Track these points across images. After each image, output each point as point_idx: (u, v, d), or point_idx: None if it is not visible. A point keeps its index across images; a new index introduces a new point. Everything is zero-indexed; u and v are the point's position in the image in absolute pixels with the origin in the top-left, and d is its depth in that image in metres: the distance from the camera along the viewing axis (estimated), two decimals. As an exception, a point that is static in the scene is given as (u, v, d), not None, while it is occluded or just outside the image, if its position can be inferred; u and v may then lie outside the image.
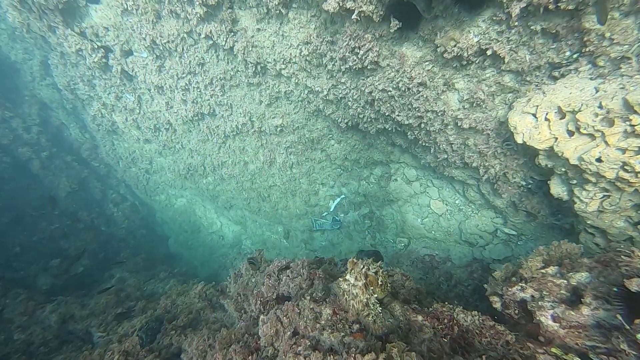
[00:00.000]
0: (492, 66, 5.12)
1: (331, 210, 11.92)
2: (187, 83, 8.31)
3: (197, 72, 7.97)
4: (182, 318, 5.80)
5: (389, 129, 7.43)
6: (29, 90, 11.17)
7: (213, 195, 12.87)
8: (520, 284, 3.63)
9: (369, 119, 7.53)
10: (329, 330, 3.29)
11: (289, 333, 3.51)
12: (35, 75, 10.96)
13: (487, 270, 7.38)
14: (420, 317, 3.56)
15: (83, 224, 11.40)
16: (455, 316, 3.54)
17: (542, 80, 4.70)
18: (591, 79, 4.15)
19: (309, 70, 7.33)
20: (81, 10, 7.67)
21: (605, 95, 3.78)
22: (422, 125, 6.51)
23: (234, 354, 3.75)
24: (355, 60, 6.08)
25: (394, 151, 9.11)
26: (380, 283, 3.52)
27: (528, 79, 4.83)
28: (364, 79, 6.61)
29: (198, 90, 8.60)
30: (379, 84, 6.34)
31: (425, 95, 6.05)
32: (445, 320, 3.52)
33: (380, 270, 3.57)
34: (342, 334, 3.24)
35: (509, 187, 6.01)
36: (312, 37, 6.46)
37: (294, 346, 3.33)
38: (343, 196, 11.59)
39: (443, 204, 8.57)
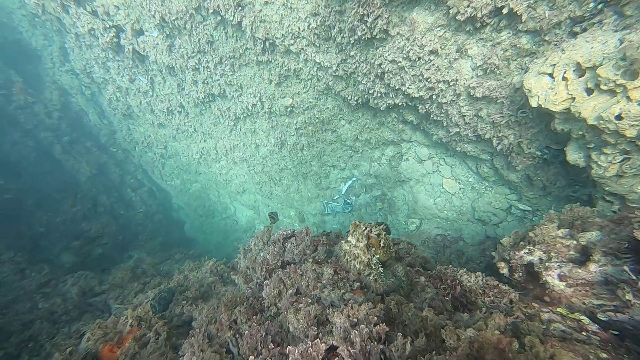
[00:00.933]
0: (508, 27, 4.87)
1: (342, 193, 11.86)
2: (197, 62, 8.36)
3: (206, 50, 8.01)
4: (193, 290, 5.94)
5: (400, 103, 7.25)
6: (49, 77, 11.57)
7: (226, 180, 13.05)
8: (528, 247, 3.48)
9: (379, 94, 7.38)
10: (330, 288, 3.27)
11: (291, 291, 3.52)
12: (55, 62, 11.33)
13: (502, 248, 7.17)
14: (423, 278, 3.49)
15: (103, 207, 11.84)
16: (458, 277, 3.45)
17: (562, 38, 4.42)
18: (615, 30, 3.87)
19: (318, 45, 7.22)
20: (93, -10, 7.82)
21: (629, 45, 3.51)
22: (434, 97, 6.31)
23: (239, 314, 3.80)
24: (364, 29, 5.92)
25: (405, 129, 8.91)
26: (382, 245, 3.47)
27: (547, 38, 4.56)
28: (373, 51, 6.44)
29: (208, 70, 8.65)
30: (388, 55, 6.17)
31: (436, 65, 5.84)
32: (448, 281, 3.44)
33: (383, 233, 3.51)
34: (343, 291, 3.21)
35: (524, 159, 5.75)
36: (320, 8, 6.33)
37: (295, 303, 3.33)
38: (355, 178, 11.49)
39: (456, 182, 8.35)
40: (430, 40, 5.55)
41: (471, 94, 5.73)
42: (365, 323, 2.60)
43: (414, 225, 9.48)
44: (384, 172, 10.28)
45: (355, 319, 2.69)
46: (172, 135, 12.05)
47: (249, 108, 9.83)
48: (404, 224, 9.82)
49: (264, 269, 4.75)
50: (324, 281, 3.42)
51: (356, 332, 2.46)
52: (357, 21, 5.84)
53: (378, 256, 3.42)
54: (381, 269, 3.38)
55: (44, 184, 10.48)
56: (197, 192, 14.20)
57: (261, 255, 6.89)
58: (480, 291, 3.32)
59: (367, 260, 3.36)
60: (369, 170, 10.77)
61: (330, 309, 2.97)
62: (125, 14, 7.61)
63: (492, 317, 2.67)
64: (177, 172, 13.68)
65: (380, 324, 2.54)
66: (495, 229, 7.43)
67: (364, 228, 3.44)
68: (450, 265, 3.60)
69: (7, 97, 10.42)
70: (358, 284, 3.30)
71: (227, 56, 8.21)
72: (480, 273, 3.32)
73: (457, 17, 4.89)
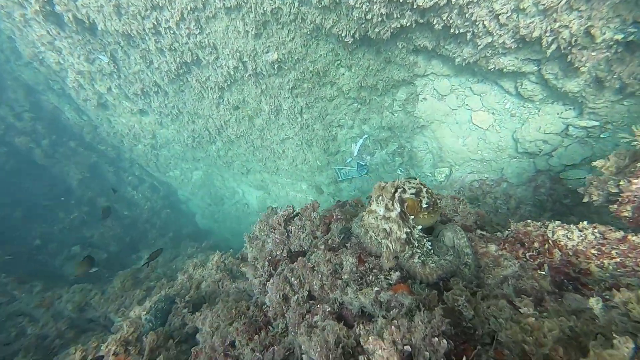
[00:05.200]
0: None
1: (355, 154, 10.53)
2: (155, 23, 6.92)
3: (160, 3, 6.52)
4: (196, 294, 4.98)
5: (407, 24, 5.67)
6: (8, 73, 10.34)
7: (227, 162, 11.93)
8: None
9: (379, 18, 5.79)
10: (355, 287, 2.09)
11: (299, 297, 2.37)
12: (8, 54, 10.03)
13: (558, 182, 5.80)
14: (493, 247, 2.25)
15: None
16: (550, 236, 2.17)
17: None
18: None
19: (292, -33, 5.62)
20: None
21: None
22: (453, 0, 4.71)
23: (237, 333, 2.73)
24: None
25: (417, 61, 7.32)
26: (424, 206, 2.21)
27: None
28: (363, -46, 4.82)
29: (171, 31, 7.21)
30: (384, -47, 4.55)
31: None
32: (536, 245, 2.17)
33: (424, 189, 2.24)
34: (376, 289, 2.03)
35: (593, 53, 4.19)
36: None
37: (307, 316, 2.19)
38: (366, 136, 10.10)
39: (488, 113, 6.84)
40: None
41: (507, -19, 4.11)
42: (427, 352, 1.41)
43: (443, 176, 8.15)
44: (398, 121, 8.82)
45: (406, 346, 1.50)
46: (157, 122, 10.84)
47: (231, 73, 8.42)
48: (431, 175, 8.50)
49: (266, 262, 3.64)
50: (346, 276, 2.25)
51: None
52: None
53: (421, 225, 2.18)
54: (428, 245, 2.14)
55: (30, 193, 9.66)
56: (200, 180, 13.21)
57: (268, 241, 5.86)
58: (595, 252, 2.05)
59: (405, 235, 2.13)
60: (380, 123, 9.32)
61: (362, 325, 1.80)
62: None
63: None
64: (174, 162, 12.62)
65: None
66: (547, 160, 6.01)
67: (393, 189, 2.18)
68: (529, 221, 2.31)
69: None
70: (397, 273, 2.10)
71: (188, 8, 6.71)
72: (587, 223, 2.03)
73: None
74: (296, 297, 2.46)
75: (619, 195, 2.31)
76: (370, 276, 2.18)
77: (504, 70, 5.49)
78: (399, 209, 2.17)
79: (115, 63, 8.33)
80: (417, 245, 2.11)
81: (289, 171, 11.60)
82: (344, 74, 8.81)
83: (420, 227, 2.17)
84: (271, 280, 2.94)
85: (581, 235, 1.96)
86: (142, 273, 7.12)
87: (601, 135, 5.25)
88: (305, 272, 2.63)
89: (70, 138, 11.37)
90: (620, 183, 2.28)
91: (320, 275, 2.44)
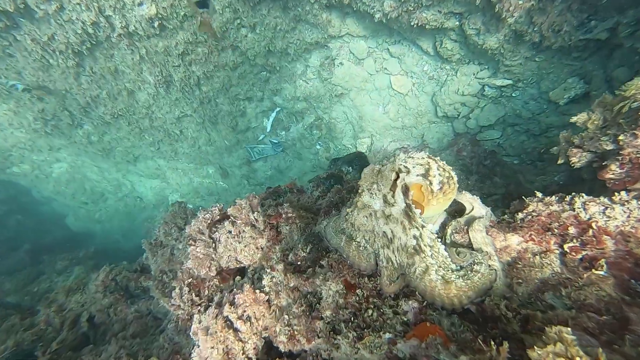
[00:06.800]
0: None
1: (268, 130, 9.45)
2: None
3: None
4: (65, 335, 3.44)
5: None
6: None
7: (103, 150, 9.36)
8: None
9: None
10: (351, 334, 1.22)
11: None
12: None
13: (476, 144, 5.93)
14: (514, 239, 1.62)
15: None
16: (584, 216, 1.61)
17: None
18: None
19: None
20: None
21: None
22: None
23: None
24: None
25: (331, 19, 6.51)
26: (436, 188, 1.43)
27: None
28: None
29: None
30: None
31: None
32: (572, 230, 1.57)
33: (434, 165, 1.45)
34: (387, 335, 1.20)
35: (520, 2, 4.00)
36: None
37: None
38: (278, 109, 9.06)
39: (407, 77, 6.59)
40: None
41: None
42: None
43: (365, 147, 7.80)
44: (314, 89, 8.01)
45: None
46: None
47: (89, 32, 6.18)
48: (352, 147, 8.07)
49: (185, 287, 2.46)
50: (328, 313, 1.35)
51: None
52: None
53: (432, 224, 1.41)
54: (444, 251, 1.38)
55: None
56: (65, 174, 10.17)
57: (179, 247, 4.53)
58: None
59: (413, 240, 1.32)
60: (294, 93, 8.36)
61: None
62: None
63: None
64: (19, 154, 9.28)
65: None
66: (466, 122, 6.08)
67: (393, 173, 1.33)
68: (549, 198, 1.74)
69: None
70: (414, 304, 1.32)
71: None
72: (625, 194, 1.55)
73: None
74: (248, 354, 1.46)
75: (618, 153, 1.97)
76: (370, 311, 1.35)
77: (427, 26, 5.10)
78: (403, 203, 1.34)
79: None
80: (430, 253, 1.34)
81: (190, 155, 9.81)
82: (247, 36, 7.45)
83: (431, 226, 1.41)
84: (200, 319, 1.86)
85: (625, 211, 1.49)
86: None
87: (513, 94, 5.45)
88: (258, 311, 1.63)
89: None
90: (620, 138, 1.93)
91: (284, 314, 1.49)
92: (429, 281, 1.32)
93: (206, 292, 2.53)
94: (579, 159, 2.27)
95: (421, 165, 1.42)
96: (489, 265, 1.45)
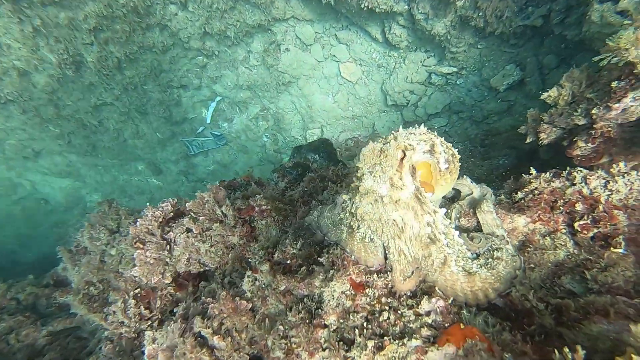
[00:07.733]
0: None
1: (208, 121, 8.61)
2: None
3: None
4: None
5: None
6: None
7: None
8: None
9: None
10: (369, 346, 0.90)
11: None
12: None
13: (425, 133, 6.00)
14: (521, 220, 1.45)
15: None
16: (586, 191, 1.48)
17: None
18: None
19: None
20: None
21: None
22: None
23: None
24: None
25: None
26: (444, 167, 1.16)
27: None
28: None
29: None
30: None
31: None
32: (579, 207, 1.41)
33: (437, 140, 1.17)
34: (415, 342, 0.89)
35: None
36: None
37: None
38: (219, 98, 8.29)
39: (356, 65, 6.44)
40: None
41: None
42: None
43: (315, 138, 7.49)
44: (258, 77, 7.44)
45: None
46: None
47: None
48: (301, 138, 7.72)
49: (131, 300, 1.91)
50: (332, 319, 1.00)
51: None
52: None
53: (444, 209, 1.13)
54: (458, 238, 1.12)
55: None
56: None
57: (113, 253, 3.79)
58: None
59: (427, 228, 1.03)
60: (236, 81, 7.70)
61: None
62: None
63: None
64: None
65: None
66: (414, 111, 6.15)
67: (399, 151, 1.01)
68: (545, 174, 1.60)
69: None
70: (439, 302, 1.03)
71: None
72: (623, 164, 1.47)
73: None
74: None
75: (591, 127, 1.94)
76: (385, 314, 1.04)
77: (376, 9, 4.95)
78: (412, 185, 1.05)
79: None
80: (446, 242, 1.08)
81: (113, 149, 8.54)
82: (176, 15, 6.62)
83: (444, 210, 1.14)
84: (154, 337, 1.39)
85: (627, 184, 1.40)
86: None
87: (457, 82, 5.62)
88: (239, 322, 1.21)
89: None
90: (593, 111, 1.90)
91: (279, 324, 1.11)
92: (450, 274, 1.07)
93: (158, 303, 2.04)
94: (547, 135, 2.24)
95: (425, 141, 1.16)
96: (508, 250, 1.24)
